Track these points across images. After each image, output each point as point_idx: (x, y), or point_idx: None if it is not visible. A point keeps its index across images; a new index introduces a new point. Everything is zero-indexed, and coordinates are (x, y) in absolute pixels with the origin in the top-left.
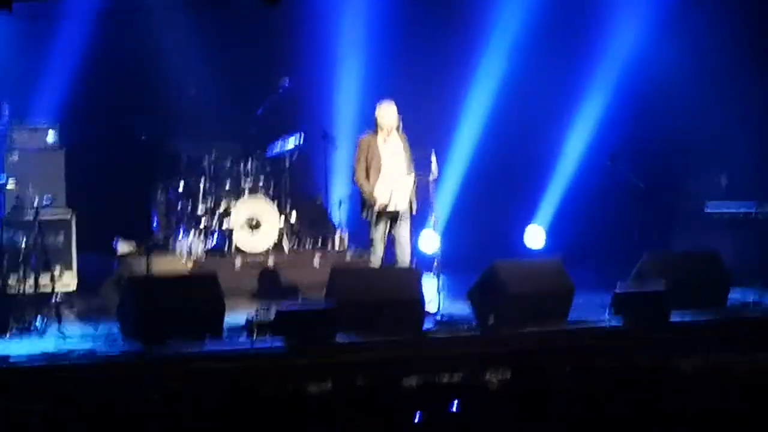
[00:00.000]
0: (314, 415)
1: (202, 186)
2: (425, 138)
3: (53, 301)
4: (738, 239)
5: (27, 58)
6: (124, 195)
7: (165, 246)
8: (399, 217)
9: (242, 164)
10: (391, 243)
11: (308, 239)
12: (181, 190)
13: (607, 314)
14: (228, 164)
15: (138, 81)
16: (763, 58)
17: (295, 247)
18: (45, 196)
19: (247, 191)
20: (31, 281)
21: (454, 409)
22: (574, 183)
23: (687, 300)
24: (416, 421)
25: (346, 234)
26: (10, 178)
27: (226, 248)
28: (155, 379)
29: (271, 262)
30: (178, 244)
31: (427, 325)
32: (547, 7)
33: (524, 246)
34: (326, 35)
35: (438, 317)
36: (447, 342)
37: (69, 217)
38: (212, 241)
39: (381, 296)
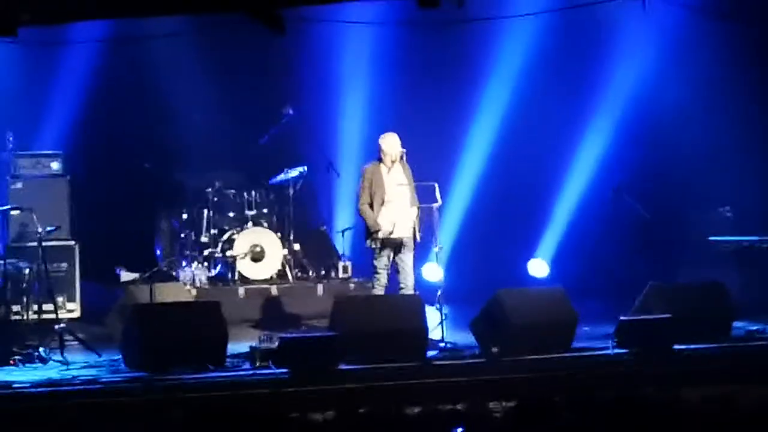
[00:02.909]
0: None
1: (205, 215)
2: (429, 169)
3: (57, 328)
4: (742, 270)
5: (32, 86)
6: (127, 223)
7: (169, 274)
8: (402, 245)
9: (246, 193)
10: (394, 271)
11: (312, 268)
12: (184, 219)
13: (610, 344)
14: (232, 193)
15: (142, 110)
16: (767, 92)
17: (299, 275)
18: (48, 224)
19: (250, 220)
20: (34, 309)
21: None
22: (578, 214)
23: (691, 331)
24: None
25: (350, 263)
26: (14, 206)
27: (229, 277)
28: (158, 407)
29: (274, 290)
30: (181, 273)
31: (432, 353)
32: (550, 40)
33: (528, 275)
34: (330, 65)
35: (442, 345)
36: (450, 370)
37: (73, 245)
38: (216, 269)
39: (384, 324)
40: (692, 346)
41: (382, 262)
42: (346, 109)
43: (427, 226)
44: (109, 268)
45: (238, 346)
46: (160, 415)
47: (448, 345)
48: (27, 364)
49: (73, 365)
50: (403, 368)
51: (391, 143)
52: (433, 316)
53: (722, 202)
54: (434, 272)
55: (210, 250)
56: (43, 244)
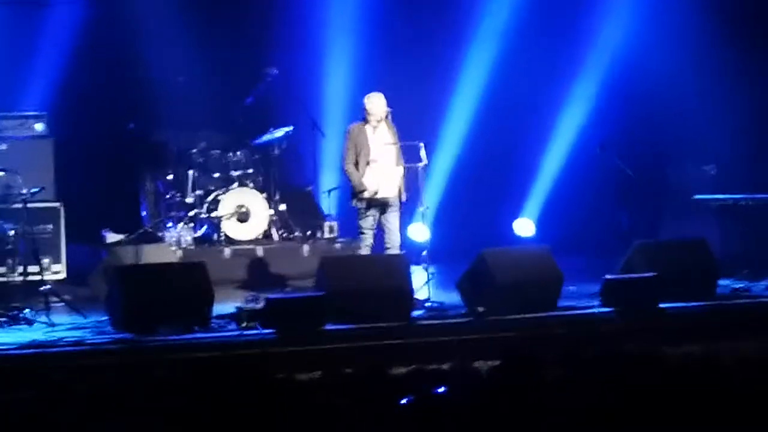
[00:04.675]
0: (303, 404)
1: (190, 176)
2: (414, 128)
3: (42, 290)
4: (726, 228)
5: (14, 46)
6: (112, 184)
7: (154, 235)
8: (388, 205)
9: (231, 154)
10: (380, 231)
11: (297, 228)
12: (169, 179)
13: (596, 302)
14: (217, 154)
15: (126, 70)
16: (751, 49)
17: (285, 236)
18: (33, 186)
19: (235, 181)
20: (19, 270)
21: (444, 396)
22: (563, 172)
23: (676, 288)
24: (404, 405)
25: (336, 223)
26: None
27: (215, 238)
28: (143, 368)
29: (260, 251)
30: (167, 234)
31: (418, 313)
32: None
33: (514, 235)
34: (315, 24)
35: (428, 305)
36: (436, 330)
37: (57, 206)
38: (201, 230)
39: (370, 284)
40: (677, 305)
41: (368, 222)
42: (330, 68)
43: (412, 186)
44: (95, 229)
45: (224, 307)
46: (146, 377)
47: (435, 304)
48: (12, 326)
49: (58, 327)
50: (389, 328)
51: (376, 103)
52: (419, 275)
53: (706, 160)
54: (420, 232)
55: (195, 211)
56: (28, 205)
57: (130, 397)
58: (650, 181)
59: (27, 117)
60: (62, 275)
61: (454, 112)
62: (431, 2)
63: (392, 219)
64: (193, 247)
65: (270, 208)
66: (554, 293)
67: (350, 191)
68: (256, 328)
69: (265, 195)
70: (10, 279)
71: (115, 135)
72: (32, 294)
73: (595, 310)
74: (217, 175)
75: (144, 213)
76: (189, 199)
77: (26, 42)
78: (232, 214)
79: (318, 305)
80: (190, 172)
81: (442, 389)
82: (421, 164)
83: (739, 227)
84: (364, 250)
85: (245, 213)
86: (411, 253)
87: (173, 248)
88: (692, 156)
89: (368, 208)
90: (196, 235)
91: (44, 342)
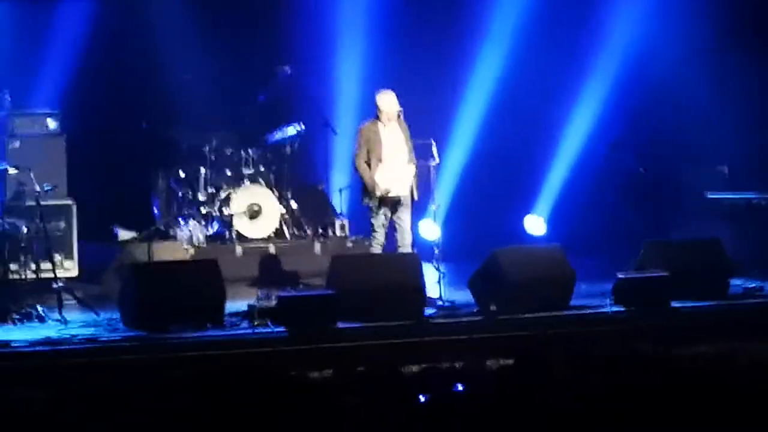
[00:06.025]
0: (316, 402)
1: (202, 173)
2: (425, 126)
3: (55, 287)
4: (739, 227)
5: (28, 44)
6: (124, 182)
7: (166, 233)
8: (400, 204)
9: (243, 152)
10: (392, 229)
11: (309, 226)
12: (181, 177)
13: (608, 301)
14: (228, 152)
15: (139, 68)
16: (763, 48)
17: (296, 234)
18: (46, 183)
19: (247, 179)
20: (32, 268)
21: (455, 395)
22: (574, 171)
23: (688, 288)
24: (418, 404)
25: (347, 221)
26: (12, 165)
27: (227, 236)
28: (156, 366)
29: (272, 249)
30: (179, 232)
31: (429, 311)
32: None
33: (525, 233)
34: (327, 22)
35: (440, 303)
36: (448, 328)
37: (70, 203)
38: (213, 228)
39: (382, 283)
40: (690, 304)
41: (380, 220)
42: (342, 66)
43: (424, 184)
44: (107, 226)
45: (236, 304)
46: (158, 374)
47: (446, 303)
48: (25, 323)
49: (71, 324)
50: (401, 326)
51: (388, 100)
52: (431, 274)
53: (719, 159)
54: (432, 230)
55: (207, 208)
56: (41, 203)
57: (143, 394)
58: (663, 180)
59: (40, 114)
60: (75, 272)
61: (465, 110)
62: (443, 0)
63: (404, 217)
64: (205, 245)
65: (282, 206)
66: (567, 292)
67: (362, 189)
68: (268, 326)
69: (276, 193)
70: (23, 276)
71: (128, 132)
72: (45, 291)
73: (607, 309)
74: (229, 173)
75: (156, 211)
76: (201, 197)
77: (39, 39)
78: (244, 212)
79: (330, 303)
80: (202, 169)
81: (460, 387)
82: (432, 162)
83: (751, 227)
84: (376, 249)
85: (257, 211)
86: (423, 252)
87: (185, 246)
88: (705, 155)
89: (380, 206)
90: (207, 232)
91: (57, 339)
